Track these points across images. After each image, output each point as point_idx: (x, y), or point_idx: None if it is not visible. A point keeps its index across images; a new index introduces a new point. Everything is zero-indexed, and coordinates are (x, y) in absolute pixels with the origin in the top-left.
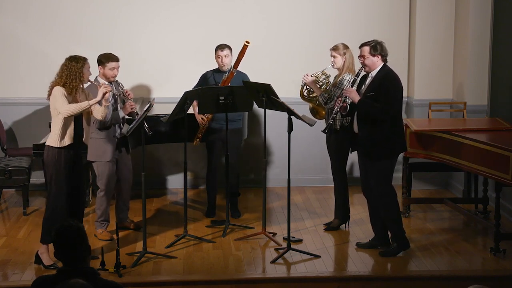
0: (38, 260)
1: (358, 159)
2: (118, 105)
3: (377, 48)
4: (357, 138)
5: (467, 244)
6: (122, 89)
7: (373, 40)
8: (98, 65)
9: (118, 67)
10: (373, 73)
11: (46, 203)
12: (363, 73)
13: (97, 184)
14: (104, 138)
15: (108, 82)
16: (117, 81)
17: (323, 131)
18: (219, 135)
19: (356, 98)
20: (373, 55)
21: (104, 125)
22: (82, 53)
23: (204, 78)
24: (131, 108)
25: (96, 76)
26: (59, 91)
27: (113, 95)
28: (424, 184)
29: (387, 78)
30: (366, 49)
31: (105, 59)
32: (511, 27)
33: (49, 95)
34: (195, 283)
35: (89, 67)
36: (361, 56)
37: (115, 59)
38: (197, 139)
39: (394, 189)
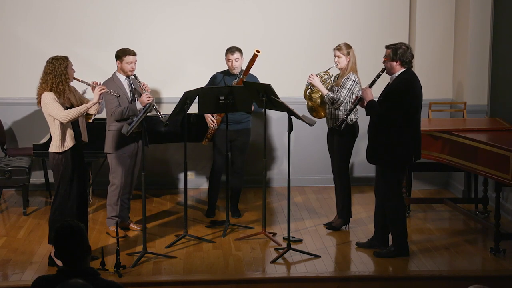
0: (52, 262)
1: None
2: (136, 98)
3: (397, 53)
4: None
5: (467, 244)
6: (139, 82)
7: (398, 44)
8: (116, 60)
9: (136, 61)
10: (393, 76)
11: (52, 204)
12: (383, 74)
13: (109, 178)
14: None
15: (126, 76)
16: (134, 74)
17: (336, 126)
18: (227, 135)
19: (368, 98)
20: (392, 60)
21: (121, 117)
22: (83, 53)
23: (213, 80)
24: (147, 99)
25: (114, 72)
26: (49, 97)
27: (131, 90)
28: (424, 184)
29: (397, 86)
30: (388, 52)
31: (122, 53)
32: (511, 27)
33: (38, 101)
34: (195, 283)
35: (72, 65)
36: (384, 57)
37: (132, 53)
38: (206, 139)
39: (402, 197)
